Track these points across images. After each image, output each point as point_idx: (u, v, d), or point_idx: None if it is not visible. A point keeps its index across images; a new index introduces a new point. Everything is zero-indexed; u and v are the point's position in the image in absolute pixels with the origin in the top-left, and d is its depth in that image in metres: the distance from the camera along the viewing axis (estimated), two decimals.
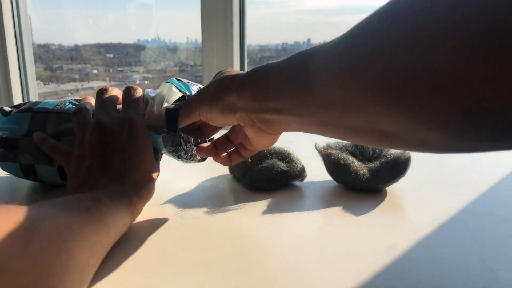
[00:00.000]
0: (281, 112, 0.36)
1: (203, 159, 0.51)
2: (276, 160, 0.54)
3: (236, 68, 1.41)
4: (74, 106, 0.52)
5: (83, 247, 0.31)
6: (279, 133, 0.43)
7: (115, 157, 0.42)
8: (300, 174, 0.55)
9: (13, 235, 0.26)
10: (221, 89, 0.41)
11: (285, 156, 0.55)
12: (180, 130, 0.46)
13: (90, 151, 0.43)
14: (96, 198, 0.36)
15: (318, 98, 0.31)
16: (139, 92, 0.47)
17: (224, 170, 0.61)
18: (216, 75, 0.45)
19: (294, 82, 0.34)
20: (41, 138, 0.48)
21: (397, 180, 0.52)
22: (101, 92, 0.48)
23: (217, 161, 0.48)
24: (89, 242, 0.32)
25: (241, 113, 0.40)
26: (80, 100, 0.52)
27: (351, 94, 0.27)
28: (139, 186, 0.42)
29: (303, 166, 0.56)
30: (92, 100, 0.50)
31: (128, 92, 0.47)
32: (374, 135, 0.29)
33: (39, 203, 0.32)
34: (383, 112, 0.25)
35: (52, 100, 0.54)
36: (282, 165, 0.54)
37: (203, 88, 0.44)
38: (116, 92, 0.49)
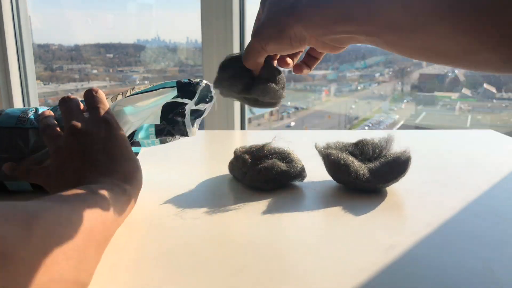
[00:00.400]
0: (349, 32, 0.37)
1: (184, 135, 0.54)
2: (276, 160, 0.54)
3: None
4: (34, 119, 0.51)
5: (84, 236, 0.31)
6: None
7: (99, 154, 0.43)
8: (300, 174, 0.55)
9: (15, 225, 0.26)
10: (283, 25, 0.41)
11: (285, 156, 0.55)
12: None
13: (72, 155, 0.43)
14: (90, 190, 0.37)
15: (383, 20, 0.33)
16: (101, 93, 0.48)
17: (224, 170, 0.61)
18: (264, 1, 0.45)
19: (360, 4, 0.35)
20: (11, 169, 0.48)
21: (397, 180, 0.52)
22: (65, 101, 0.48)
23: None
24: (89, 231, 0.32)
25: (310, 40, 0.41)
26: (37, 108, 0.52)
27: (415, 15, 0.30)
28: (129, 176, 0.43)
29: (303, 166, 0.56)
30: (51, 113, 0.50)
31: (90, 94, 0.48)
32: (434, 55, 0.33)
33: (35, 199, 0.32)
34: (445, 33, 0.29)
35: (11, 111, 0.53)
36: (282, 165, 0.54)
37: (260, 25, 0.44)
38: (77, 99, 0.49)
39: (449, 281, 0.34)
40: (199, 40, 1.42)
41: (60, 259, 0.28)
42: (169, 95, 0.51)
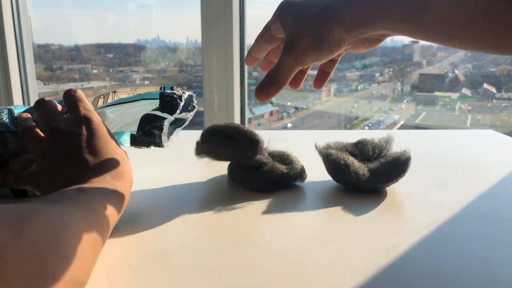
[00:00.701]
0: (392, 31, 0.36)
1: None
2: (276, 163, 0.54)
3: (236, 69, 1.41)
4: (10, 122, 0.50)
5: (77, 236, 0.31)
6: None
7: (85, 153, 0.42)
8: (300, 175, 0.55)
9: (5, 227, 0.26)
10: (321, 32, 0.39)
11: (284, 158, 0.55)
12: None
13: (58, 158, 0.42)
14: (80, 190, 0.36)
15: (431, 17, 0.32)
16: (80, 92, 0.48)
17: (224, 170, 0.61)
18: (283, 7, 0.43)
19: (404, 3, 0.34)
20: (1, 178, 0.47)
21: (397, 180, 0.52)
22: (41, 103, 0.47)
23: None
24: (82, 230, 0.32)
25: (350, 40, 0.40)
26: (10, 109, 0.51)
27: (473, 10, 0.28)
28: (118, 172, 0.42)
29: (302, 166, 0.56)
30: (28, 115, 0.49)
31: (69, 94, 0.47)
32: (488, 48, 0.31)
33: (25, 201, 0.32)
34: (506, 26, 0.27)
35: None
36: (282, 168, 0.54)
37: (290, 40, 0.42)
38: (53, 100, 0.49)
39: (449, 281, 0.34)
40: (199, 40, 1.42)
41: (53, 260, 0.27)
42: (151, 105, 0.51)
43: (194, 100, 0.54)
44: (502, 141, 0.83)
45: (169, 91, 0.52)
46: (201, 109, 1.52)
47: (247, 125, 1.55)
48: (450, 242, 0.40)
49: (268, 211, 0.48)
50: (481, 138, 0.86)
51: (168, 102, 0.51)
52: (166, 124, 0.51)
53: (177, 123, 0.54)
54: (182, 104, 0.52)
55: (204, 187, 0.57)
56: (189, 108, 0.54)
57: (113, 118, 0.51)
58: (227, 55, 1.39)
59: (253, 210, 0.48)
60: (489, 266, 0.36)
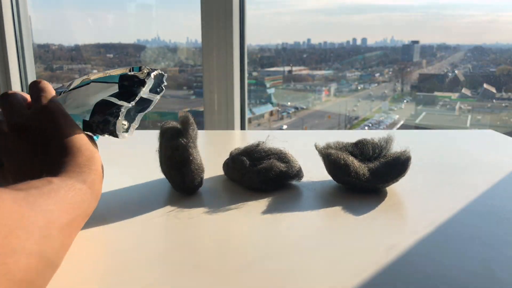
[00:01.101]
0: None
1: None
2: (275, 160, 0.54)
3: (236, 69, 1.41)
4: None
5: (43, 216, 0.30)
6: None
7: (49, 148, 0.40)
8: (298, 174, 0.55)
9: None
10: None
11: (282, 157, 0.55)
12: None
13: (22, 156, 0.41)
14: (45, 180, 0.35)
15: None
16: (45, 82, 0.46)
17: (220, 170, 0.60)
18: None
19: None
20: None
21: (397, 180, 0.52)
22: (4, 97, 0.44)
23: None
24: (48, 212, 0.31)
25: None
26: None
27: None
28: (86, 165, 0.40)
29: (299, 166, 0.56)
30: None
31: (34, 86, 0.45)
32: None
33: None
34: None
35: None
36: (281, 165, 0.54)
37: None
38: (20, 93, 0.46)
39: (449, 281, 0.34)
40: (199, 40, 1.42)
41: (20, 233, 0.27)
42: (110, 89, 0.47)
43: (164, 81, 0.49)
44: (502, 141, 0.83)
45: (132, 73, 0.47)
46: (201, 109, 1.52)
47: (247, 125, 1.55)
48: (450, 242, 0.40)
49: (267, 211, 0.48)
50: (481, 138, 0.86)
51: (126, 88, 0.46)
52: (123, 110, 0.46)
53: (142, 105, 0.49)
54: (143, 89, 0.47)
55: (202, 186, 0.56)
56: (158, 90, 0.49)
57: (74, 95, 0.47)
58: (227, 55, 1.39)
59: (252, 210, 0.48)
60: (489, 266, 0.36)
